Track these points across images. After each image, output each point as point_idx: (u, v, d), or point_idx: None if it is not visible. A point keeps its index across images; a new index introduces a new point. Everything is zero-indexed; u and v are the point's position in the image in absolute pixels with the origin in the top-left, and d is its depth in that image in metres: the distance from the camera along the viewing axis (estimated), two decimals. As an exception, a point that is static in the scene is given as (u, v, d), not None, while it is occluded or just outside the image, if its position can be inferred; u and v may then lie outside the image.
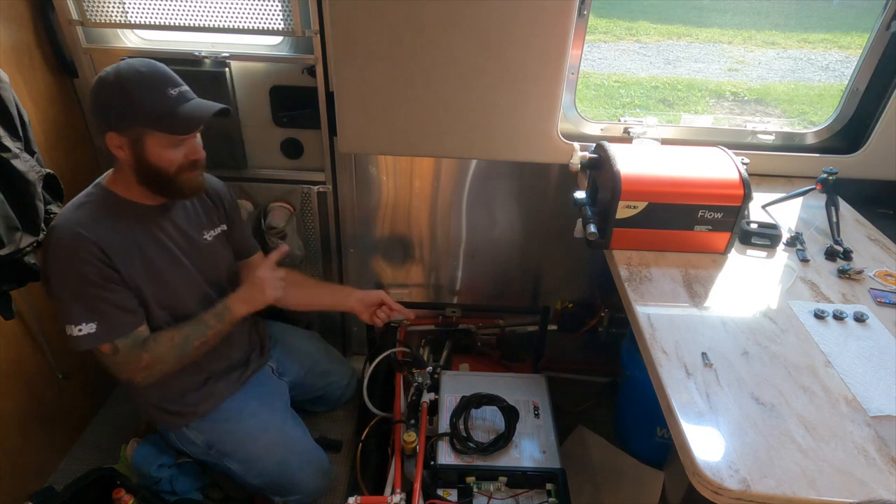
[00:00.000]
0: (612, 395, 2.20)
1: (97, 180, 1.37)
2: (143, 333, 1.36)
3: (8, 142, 1.32)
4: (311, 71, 1.75)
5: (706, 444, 0.93)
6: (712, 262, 1.42)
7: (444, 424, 1.70)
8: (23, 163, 1.34)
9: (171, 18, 1.68)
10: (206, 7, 1.66)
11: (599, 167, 1.52)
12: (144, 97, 1.22)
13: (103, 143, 1.27)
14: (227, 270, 1.59)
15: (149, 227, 1.37)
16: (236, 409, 1.59)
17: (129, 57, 1.72)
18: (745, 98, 4.32)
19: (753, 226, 1.49)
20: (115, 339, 1.31)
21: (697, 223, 1.41)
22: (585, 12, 1.62)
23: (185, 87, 1.29)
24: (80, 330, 1.28)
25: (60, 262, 1.26)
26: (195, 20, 1.68)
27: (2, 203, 1.30)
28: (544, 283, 2.25)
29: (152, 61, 1.28)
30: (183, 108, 1.25)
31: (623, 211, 1.39)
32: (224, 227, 1.58)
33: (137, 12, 1.67)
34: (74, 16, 1.67)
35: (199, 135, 1.34)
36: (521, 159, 1.76)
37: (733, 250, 1.45)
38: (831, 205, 1.53)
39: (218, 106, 1.29)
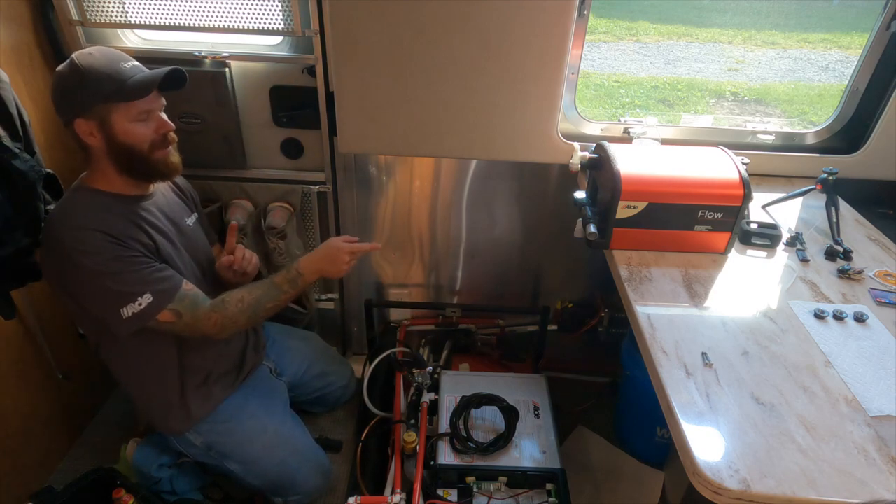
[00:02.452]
0: (612, 395, 2.20)
1: (73, 185, 1.37)
2: (192, 290, 1.37)
3: (8, 142, 1.32)
4: (311, 71, 1.75)
5: (706, 444, 0.93)
6: (712, 262, 1.42)
7: (444, 424, 1.70)
8: (23, 163, 1.34)
9: (171, 18, 1.68)
10: (206, 7, 1.66)
11: (599, 167, 1.52)
12: (100, 75, 1.24)
13: (74, 136, 1.29)
14: (205, 254, 1.61)
15: (142, 216, 1.38)
16: (235, 410, 1.59)
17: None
18: (745, 98, 4.32)
19: (753, 226, 1.49)
20: (170, 304, 1.32)
21: (697, 223, 1.41)
22: (585, 12, 1.62)
23: (139, 64, 1.31)
24: (139, 304, 1.28)
25: (87, 260, 1.25)
26: (195, 20, 1.68)
27: (2, 203, 1.30)
28: (544, 283, 2.25)
29: (103, 46, 1.32)
30: (138, 76, 1.27)
31: (623, 211, 1.39)
32: (196, 214, 1.60)
33: (137, 12, 1.67)
34: (74, 16, 1.67)
35: (163, 112, 1.35)
36: (521, 159, 1.76)
37: (733, 250, 1.45)
38: (831, 205, 1.53)
39: (168, 68, 1.30)
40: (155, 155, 1.33)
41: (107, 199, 1.34)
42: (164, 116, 1.35)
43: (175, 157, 1.38)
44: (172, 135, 1.36)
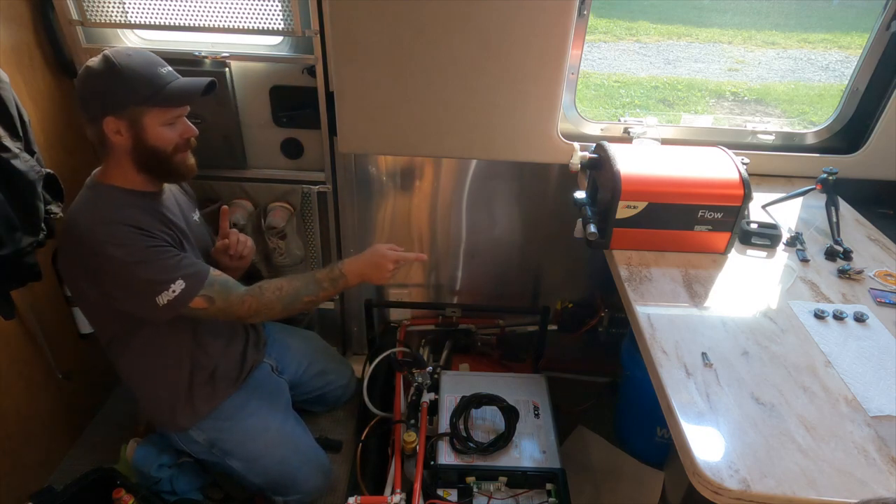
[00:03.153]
0: (612, 395, 2.20)
1: (88, 181, 1.38)
2: (220, 276, 1.39)
3: (8, 142, 1.32)
4: (311, 71, 1.75)
5: (706, 444, 0.93)
6: (712, 262, 1.42)
7: (444, 424, 1.70)
8: (23, 163, 1.34)
9: (171, 18, 1.68)
10: (206, 7, 1.66)
11: (599, 167, 1.52)
12: (138, 77, 1.25)
13: (99, 132, 1.29)
14: (208, 249, 1.62)
15: (159, 210, 1.41)
16: (238, 408, 1.60)
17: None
18: (745, 98, 4.31)
19: (753, 226, 1.49)
20: (202, 290, 1.33)
21: (697, 223, 1.41)
22: (585, 12, 1.62)
23: (174, 71, 1.33)
24: (173, 291, 1.29)
25: (119, 252, 1.26)
26: (195, 20, 1.68)
27: (2, 203, 1.30)
28: (544, 283, 2.25)
29: (140, 47, 1.32)
30: (175, 83, 1.30)
31: (623, 211, 1.39)
32: (198, 211, 1.62)
33: (137, 12, 1.67)
34: (74, 16, 1.67)
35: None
36: (521, 159, 1.76)
37: (733, 250, 1.45)
38: (831, 205, 1.53)
39: (208, 79, 1.33)
40: (176, 157, 1.36)
41: (125, 194, 1.35)
42: (188, 122, 1.38)
43: (192, 159, 1.41)
44: (193, 139, 1.39)
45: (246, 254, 1.59)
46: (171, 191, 1.50)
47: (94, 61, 1.26)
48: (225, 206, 1.60)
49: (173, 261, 1.32)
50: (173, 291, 1.30)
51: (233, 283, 1.40)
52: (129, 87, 1.25)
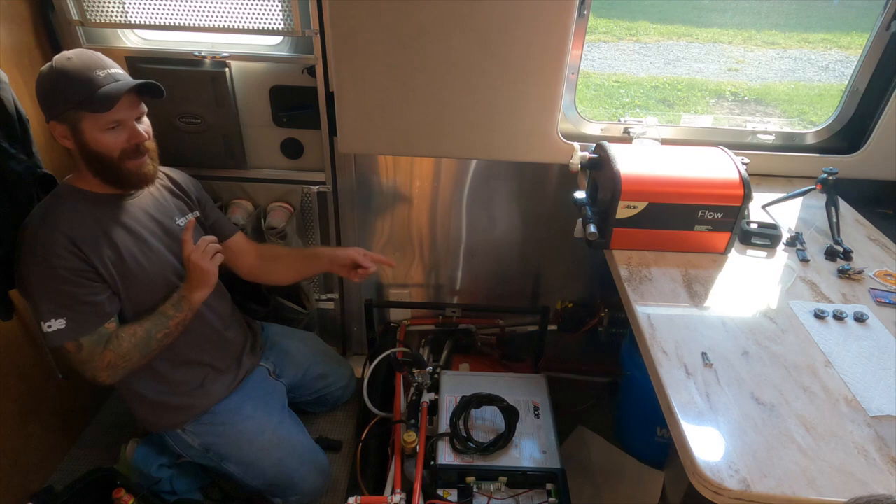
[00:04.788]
0: (612, 395, 2.20)
1: (60, 182, 1.38)
2: (109, 330, 1.35)
3: (4, 142, 1.32)
4: (311, 71, 1.75)
5: (706, 444, 0.93)
6: (712, 262, 1.42)
7: (444, 424, 1.70)
8: (18, 164, 1.34)
9: (171, 18, 1.67)
10: (205, 7, 1.65)
11: (599, 167, 1.52)
12: (72, 81, 1.23)
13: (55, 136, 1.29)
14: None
15: (115, 214, 1.37)
16: (232, 412, 1.59)
17: (130, 57, 1.72)
18: (745, 98, 4.32)
19: (753, 226, 1.49)
20: (81, 337, 1.30)
21: (697, 223, 1.41)
22: (585, 12, 1.62)
23: (118, 71, 1.29)
24: (49, 327, 1.28)
25: (34, 259, 1.26)
26: (195, 20, 1.68)
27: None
28: (544, 283, 2.25)
29: (85, 50, 1.30)
30: (107, 87, 1.25)
31: (623, 211, 1.39)
32: (196, 213, 1.58)
33: (137, 12, 1.67)
34: (74, 16, 1.67)
35: (145, 119, 1.34)
36: (521, 159, 1.76)
37: (733, 250, 1.45)
38: (831, 205, 1.53)
39: (138, 81, 1.28)
40: (126, 164, 1.32)
41: (86, 198, 1.34)
42: (140, 126, 1.32)
43: (149, 166, 1.36)
44: (147, 145, 1.34)
45: (209, 261, 1.42)
46: (150, 192, 1.46)
47: (46, 65, 1.26)
48: (192, 219, 1.48)
49: (70, 299, 1.28)
50: (49, 327, 1.27)
51: (107, 339, 1.34)
52: (62, 91, 1.23)
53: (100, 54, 1.30)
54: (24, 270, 1.28)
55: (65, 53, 1.27)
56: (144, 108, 1.34)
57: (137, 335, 1.37)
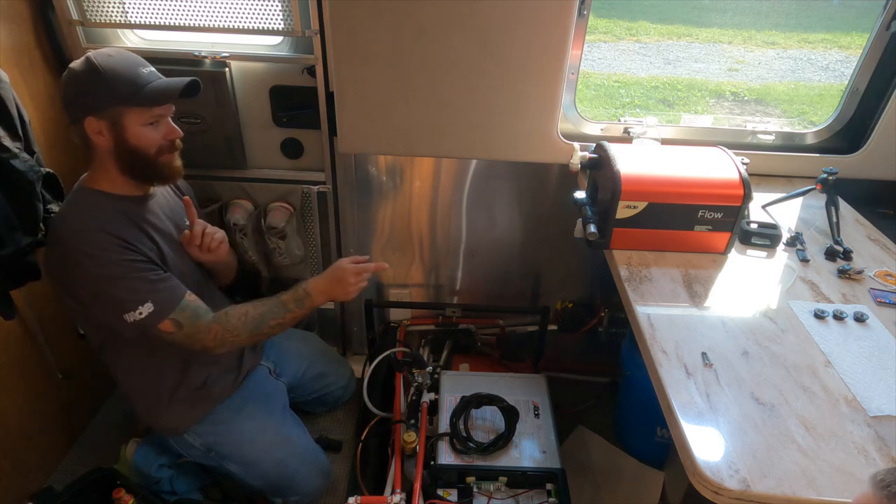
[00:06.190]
0: (612, 395, 2.20)
1: (76, 186, 1.37)
2: (194, 301, 1.37)
3: (7, 142, 1.32)
4: (311, 71, 1.75)
5: (706, 444, 0.93)
6: (712, 262, 1.42)
7: (444, 424, 1.70)
8: (22, 163, 1.34)
9: (171, 18, 1.67)
10: (205, 7, 1.65)
11: (599, 167, 1.52)
12: (119, 76, 1.25)
13: (81, 134, 1.29)
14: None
15: (145, 217, 1.39)
16: (234, 412, 1.59)
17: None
18: (745, 98, 4.32)
19: (753, 226, 1.49)
20: (171, 313, 1.32)
21: (697, 223, 1.41)
22: (585, 12, 1.62)
23: (156, 71, 1.33)
24: (140, 313, 1.28)
25: (93, 263, 1.25)
26: (195, 20, 1.68)
27: (1, 203, 1.30)
28: (544, 283, 2.25)
29: (121, 48, 1.33)
30: (156, 82, 1.29)
31: (623, 211, 1.39)
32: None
33: (137, 12, 1.67)
34: (74, 16, 1.67)
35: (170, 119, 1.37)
36: (521, 159, 1.76)
37: (733, 250, 1.45)
38: (831, 205, 1.53)
39: (188, 79, 1.32)
40: (160, 159, 1.34)
41: (110, 200, 1.34)
42: (173, 123, 1.36)
43: (178, 161, 1.39)
44: (178, 141, 1.37)
45: (214, 247, 1.50)
46: (163, 195, 1.48)
47: (76, 63, 1.27)
48: (187, 197, 1.51)
49: (146, 279, 1.30)
50: (140, 313, 1.28)
51: (203, 311, 1.38)
52: (109, 86, 1.25)
53: (133, 53, 1.33)
54: (83, 277, 1.27)
55: (103, 51, 1.29)
56: (174, 107, 1.37)
57: (249, 316, 1.41)
